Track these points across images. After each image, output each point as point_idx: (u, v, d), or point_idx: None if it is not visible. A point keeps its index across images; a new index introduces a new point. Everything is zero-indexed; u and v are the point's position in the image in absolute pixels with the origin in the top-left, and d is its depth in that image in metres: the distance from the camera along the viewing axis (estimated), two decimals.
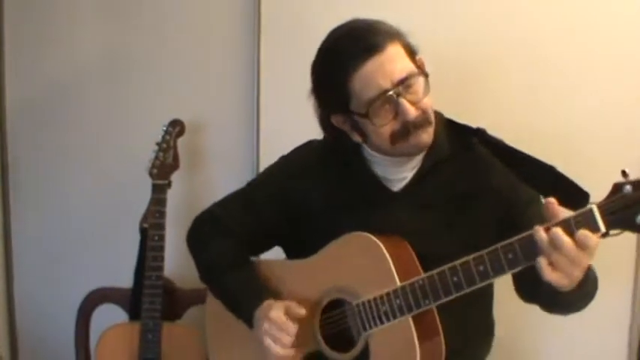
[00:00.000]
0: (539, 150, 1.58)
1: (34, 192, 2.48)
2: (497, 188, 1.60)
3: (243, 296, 1.66)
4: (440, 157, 1.62)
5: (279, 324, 1.55)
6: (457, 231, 1.59)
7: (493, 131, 1.64)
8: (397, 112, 1.50)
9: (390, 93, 1.48)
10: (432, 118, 1.56)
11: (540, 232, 1.31)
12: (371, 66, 1.48)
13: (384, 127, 1.52)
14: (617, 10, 2.00)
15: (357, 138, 1.61)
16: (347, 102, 1.54)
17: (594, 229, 1.29)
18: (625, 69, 2.01)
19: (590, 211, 1.29)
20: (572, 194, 1.43)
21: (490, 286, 1.68)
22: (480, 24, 2.06)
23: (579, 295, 1.40)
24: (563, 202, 1.36)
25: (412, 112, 1.50)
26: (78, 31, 2.38)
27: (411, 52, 1.54)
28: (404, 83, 1.49)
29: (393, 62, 1.49)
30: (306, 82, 2.15)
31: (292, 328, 1.55)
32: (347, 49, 1.51)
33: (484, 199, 1.60)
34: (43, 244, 2.49)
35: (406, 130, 1.51)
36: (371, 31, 1.51)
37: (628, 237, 1.35)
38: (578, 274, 1.32)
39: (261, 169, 2.21)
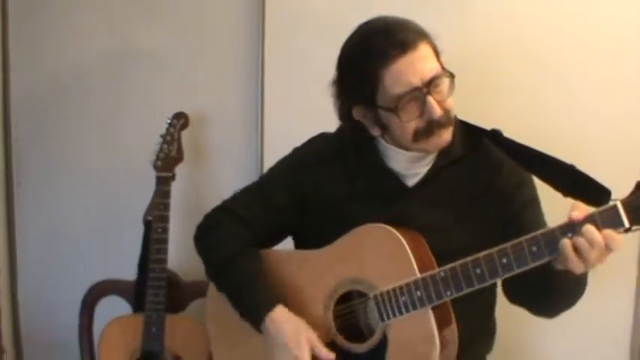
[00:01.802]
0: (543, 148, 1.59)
1: (38, 184, 2.48)
2: (503, 188, 1.63)
3: (252, 297, 1.65)
4: (453, 156, 1.64)
5: None
6: (467, 229, 1.60)
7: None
8: (423, 110, 1.52)
9: (419, 91, 1.51)
10: (453, 118, 1.58)
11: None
12: (403, 62, 1.50)
13: (409, 123, 1.53)
14: (622, 13, 2.00)
15: (375, 132, 1.63)
16: (374, 95, 1.55)
17: (618, 224, 1.33)
18: (630, 71, 2.01)
19: (615, 207, 1.33)
20: (594, 192, 1.45)
21: (493, 286, 1.70)
22: (484, 26, 2.07)
23: (577, 280, 1.46)
24: (585, 200, 1.40)
25: (438, 111, 1.52)
26: (82, 25, 2.38)
27: (437, 53, 1.57)
28: (432, 82, 1.52)
29: (423, 61, 1.52)
30: (309, 76, 2.18)
31: None
32: (381, 43, 1.52)
33: (492, 199, 1.63)
34: (46, 236, 2.49)
35: (430, 128, 1.54)
36: (404, 29, 1.53)
37: (630, 237, 1.36)
38: (596, 265, 1.37)
39: (265, 161, 2.24)
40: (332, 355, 1.59)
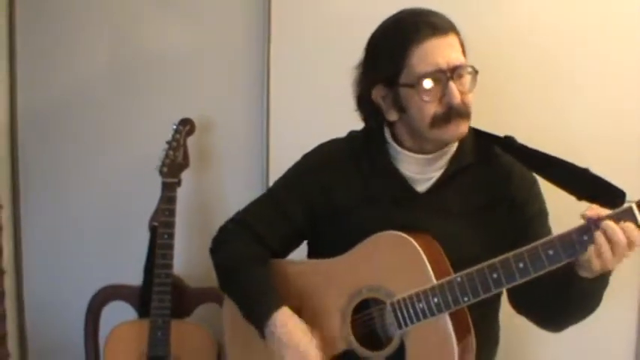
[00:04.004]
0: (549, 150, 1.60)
1: (44, 189, 2.48)
2: (513, 196, 1.63)
3: (256, 301, 1.65)
4: (464, 162, 1.64)
5: None
6: (478, 237, 1.60)
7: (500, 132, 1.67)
8: (444, 94, 1.54)
9: (443, 74, 1.53)
10: (471, 113, 1.59)
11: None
12: (432, 44, 1.53)
13: (429, 105, 1.55)
14: (623, 13, 2.01)
15: (392, 116, 1.63)
16: (398, 73, 1.57)
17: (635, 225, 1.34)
18: (630, 71, 2.01)
19: (630, 209, 1.34)
20: (608, 194, 1.46)
21: (498, 294, 1.69)
22: (487, 28, 2.06)
23: (595, 286, 1.45)
24: (600, 203, 1.40)
25: (459, 97, 1.54)
26: (88, 32, 2.39)
27: (464, 50, 1.59)
28: (456, 71, 1.54)
29: (451, 48, 1.55)
30: (316, 82, 2.19)
31: None
32: (412, 23, 1.56)
33: (500, 208, 1.63)
34: (52, 241, 2.50)
35: (448, 115, 1.55)
36: (437, 16, 1.57)
37: None
38: (613, 267, 1.38)
39: (271, 167, 2.24)
40: None
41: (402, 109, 1.60)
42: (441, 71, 1.53)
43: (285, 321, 1.61)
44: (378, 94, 1.63)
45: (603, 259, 1.35)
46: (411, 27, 1.55)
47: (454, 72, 1.53)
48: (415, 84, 1.54)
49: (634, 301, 2.07)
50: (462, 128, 1.57)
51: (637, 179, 1.96)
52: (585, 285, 1.44)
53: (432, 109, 1.55)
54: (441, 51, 1.53)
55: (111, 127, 2.41)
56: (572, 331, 1.60)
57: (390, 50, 1.57)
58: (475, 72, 1.57)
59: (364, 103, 1.67)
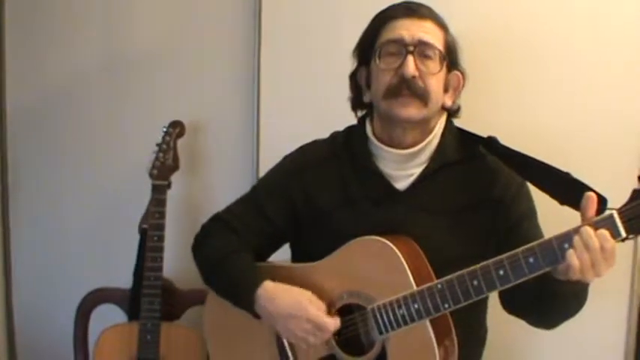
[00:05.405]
0: (537, 151, 1.60)
1: (33, 192, 2.48)
2: (498, 199, 1.62)
3: (241, 282, 1.65)
4: (446, 160, 1.63)
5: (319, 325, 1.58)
6: (459, 238, 1.60)
7: (488, 131, 1.67)
8: (400, 66, 1.55)
9: (405, 47, 1.55)
10: (430, 100, 1.59)
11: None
12: (403, 21, 1.59)
13: (385, 73, 1.58)
14: (617, 10, 2.00)
15: (367, 97, 1.67)
16: (371, 49, 1.62)
17: (615, 234, 1.33)
18: (626, 71, 2.01)
19: (611, 216, 1.33)
20: None
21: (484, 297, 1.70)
22: (476, 23, 2.06)
23: (575, 287, 1.44)
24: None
25: (412, 70, 1.55)
26: (78, 34, 2.39)
27: (450, 50, 1.62)
28: (420, 47, 1.56)
29: (422, 29, 1.58)
30: (306, 83, 2.19)
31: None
32: (395, 7, 1.62)
33: (485, 209, 1.62)
34: (42, 244, 2.49)
35: (399, 89, 1.56)
36: (422, 6, 1.62)
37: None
38: (591, 278, 1.37)
39: (261, 169, 2.24)
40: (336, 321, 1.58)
41: (369, 85, 1.64)
42: (402, 42, 1.56)
43: (271, 290, 1.61)
44: (360, 76, 1.68)
45: (581, 268, 1.34)
46: (390, 11, 1.61)
47: (416, 47, 1.55)
48: (377, 51, 1.58)
49: (624, 295, 2.06)
50: (410, 109, 1.57)
51: (627, 181, 1.96)
52: (564, 287, 1.43)
53: (386, 77, 1.57)
54: (408, 26, 1.57)
55: (101, 129, 2.41)
56: (563, 326, 1.60)
57: (368, 32, 1.63)
58: (444, 59, 1.58)
59: (352, 86, 1.71)
